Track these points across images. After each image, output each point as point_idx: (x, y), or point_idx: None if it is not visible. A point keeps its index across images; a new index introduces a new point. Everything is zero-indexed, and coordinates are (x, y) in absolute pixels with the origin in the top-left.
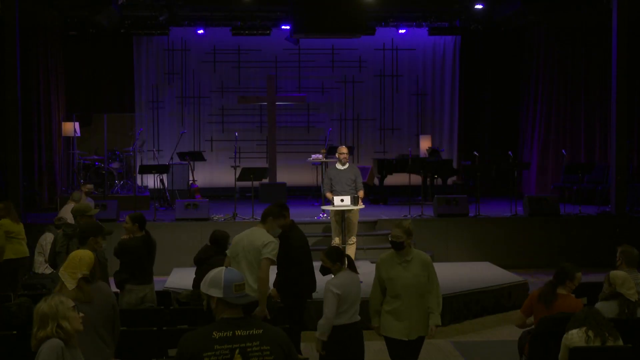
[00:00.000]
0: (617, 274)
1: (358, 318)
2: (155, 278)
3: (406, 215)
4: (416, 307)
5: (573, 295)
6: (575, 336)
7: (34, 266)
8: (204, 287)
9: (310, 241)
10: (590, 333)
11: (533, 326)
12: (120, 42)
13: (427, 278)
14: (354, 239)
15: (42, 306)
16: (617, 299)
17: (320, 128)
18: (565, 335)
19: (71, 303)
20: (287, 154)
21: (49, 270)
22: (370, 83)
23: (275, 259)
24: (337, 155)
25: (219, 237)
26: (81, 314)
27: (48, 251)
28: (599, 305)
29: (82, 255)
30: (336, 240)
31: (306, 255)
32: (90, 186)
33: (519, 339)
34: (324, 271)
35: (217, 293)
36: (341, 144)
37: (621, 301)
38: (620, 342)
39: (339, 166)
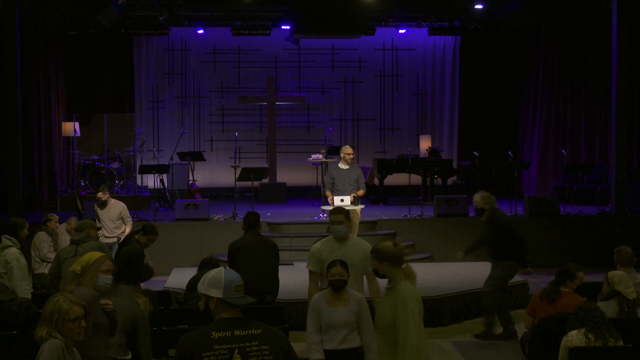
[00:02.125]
0: (615, 273)
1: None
2: (155, 278)
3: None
4: None
5: (577, 294)
6: (575, 338)
7: (32, 267)
8: (202, 288)
9: (311, 242)
10: (591, 335)
11: None
12: (120, 42)
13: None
14: None
15: (47, 305)
16: (615, 298)
17: (320, 128)
18: (565, 337)
19: (73, 314)
20: (287, 154)
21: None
22: (370, 83)
23: (310, 269)
24: (341, 154)
25: (214, 262)
26: (83, 325)
27: (42, 249)
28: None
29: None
30: None
31: (240, 260)
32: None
33: (521, 339)
34: (338, 287)
35: (217, 293)
36: (341, 144)
37: (620, 300)
38: (621, 342)
39: (342, 166)
